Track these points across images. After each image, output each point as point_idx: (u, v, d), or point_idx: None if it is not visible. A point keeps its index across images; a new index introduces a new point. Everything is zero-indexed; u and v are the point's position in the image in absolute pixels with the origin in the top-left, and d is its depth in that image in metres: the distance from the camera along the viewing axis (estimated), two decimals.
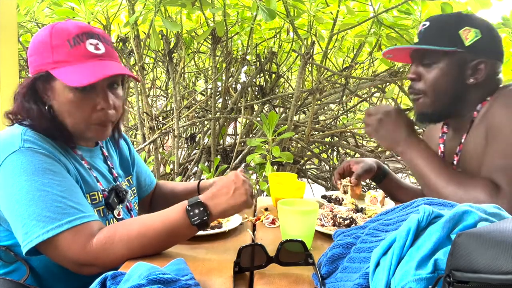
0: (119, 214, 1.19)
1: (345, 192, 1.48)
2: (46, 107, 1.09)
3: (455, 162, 1.32)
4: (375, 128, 1.31)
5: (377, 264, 0.68)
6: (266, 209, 1.36)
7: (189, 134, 3.09)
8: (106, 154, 1.27)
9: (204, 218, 0.99)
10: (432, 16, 1.32)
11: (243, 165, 1.10)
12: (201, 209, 0.99)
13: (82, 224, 0.97)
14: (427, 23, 1.28)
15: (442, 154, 1.39)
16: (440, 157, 1.29)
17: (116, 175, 1.26)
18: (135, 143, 2.88)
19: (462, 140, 1.29)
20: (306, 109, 3.18)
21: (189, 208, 0.99)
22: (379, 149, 3.07)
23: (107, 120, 1.12)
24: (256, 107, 2.96)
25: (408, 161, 1.28)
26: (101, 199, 1.14)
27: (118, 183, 1.24)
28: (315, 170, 3.56)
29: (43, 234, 0.94)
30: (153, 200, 1.49)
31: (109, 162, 1.26)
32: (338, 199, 1.44)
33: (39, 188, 0.96)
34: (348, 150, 3.22)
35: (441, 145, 1.40)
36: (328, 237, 1.10)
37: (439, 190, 1.18)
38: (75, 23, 1.10)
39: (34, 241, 0.94)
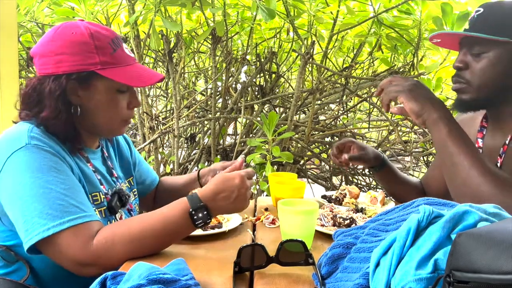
0: (121, 218, 1.19)
1: (344, 196, 1.48)
2: (72, 108, 1.10)
3: (498, 165, 1.20)
4: (407, 87, 1.11)
5: (377, 264, 0.68)
6: (266, 209, 1.36)
7: (189, 134, 3.08)
8: (107, 154, 1.28)
9: (207, 221, 1.00)
10: (487, 3, 1.21)
11: (242, 156, 1.09)
12: (205, 212, 1.00)
13: (83, 223, 0.97)
14: (481, 10, 1.18)
15: (480, 149, 1.27)
16: (475, 146, 1.09)
17: (116, 175, 1.26)
18: (135, 143, 2.88)
19: (507, 141, 1.19)
20: (306, 109, 3.18)
21: (193, 212, 0.99)
22: (379, 149, 3.07)
23: (132, 117, 1.21)
24: (256, 107, 2.96)
25: (439, 137, 1.07)
26: (103, 200, 1.15)
27: (119, 184, 1.24)
28: (315, 170, 3.56)
29: (43, 232, 0.94)
30: (156, 197, 1.49)
31: (109, 163, 1.26)
32: (338, 199, 1.44)
33: (42, 185, 0.96)
34: None
35: (479, 140, 1.28)
36: (328, 237, 1.10)
37: (473, 184, 1.01)
38: (98, 25, 1.14)
39: (35, 238, 0.94)
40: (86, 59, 1.07)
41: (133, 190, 1.34)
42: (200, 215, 0.99)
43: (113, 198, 1.17)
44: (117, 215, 1.18)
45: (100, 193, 1.15)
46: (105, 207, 1.15)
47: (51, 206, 0.95)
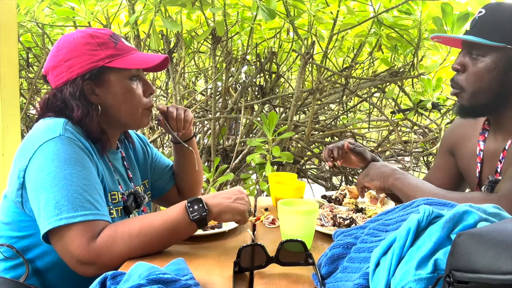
0: None
1: (344, 196, 1.48)
2: (94, 108, 1.14)
3: (498, 170, 1.21)
4: (366, 177, 1.29)
5: (377, 264, 0.68)
6: (266, 209, 1.36)
7: None
8: (124, 155, 1.30)
9: (203, 214, 1.00)
10: (489, 4, 1.20)
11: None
12: (200, 205, 1.00)
13: (94, 220, 0.98)
14: (483, 11, 1.17)
15: (481, 152, 1.28)
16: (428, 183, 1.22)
17: (131, 176, 1.28)
18: None
19: (507, 147, 1.19)
20: (306, 109, 3.18)
21: (189, 204, 1.00)
22: (379, 149, 3.07)
23: (152, 105, 1.23)
24: (256, 107, 2.96)
25: (399, 192, 1.22)
26: (120, 200, 1.17)
27: (133, 186, 1.26)
28: (315, 170, 3.56)
29: (55, 221, 0.96)
30: (179, 191, 1.49)
31: (125, 164, 1.29)
32: (338, 199, 1.44)
33: (66, 176, 0.99)
34: None
35: (481, 143, 1.28)
36: (328, 237, 1.10)
37: None
38: (94, 27, 1.21)
39: (47, 227, 0.96)
40: (93, 57, 1.12)
41: (148, 193, 1.36)
42: (196, 207, 1.00)
43: (128, 199, 1.19)
44: (131, 215, 1.19)
45: (118, 192, 1.18)
46: (121, 207, 1.17)
47: (68, 199, 0.98)
